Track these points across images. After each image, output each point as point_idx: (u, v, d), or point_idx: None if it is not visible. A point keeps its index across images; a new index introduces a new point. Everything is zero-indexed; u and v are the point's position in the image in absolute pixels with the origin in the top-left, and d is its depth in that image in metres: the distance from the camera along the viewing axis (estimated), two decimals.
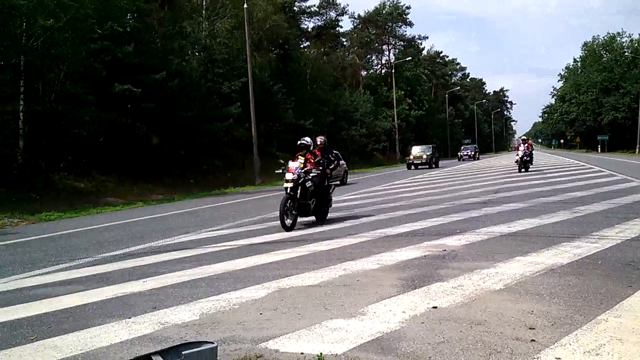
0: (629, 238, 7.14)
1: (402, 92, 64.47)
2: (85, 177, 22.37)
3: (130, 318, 4.62)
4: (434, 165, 36.78)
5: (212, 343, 3.00)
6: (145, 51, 25.73)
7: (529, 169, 24.36)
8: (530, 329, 3.83)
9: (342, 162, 22.57)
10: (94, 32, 22.02)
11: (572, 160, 37.14)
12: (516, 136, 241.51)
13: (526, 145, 24.20)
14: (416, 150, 38.12)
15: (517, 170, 23.92)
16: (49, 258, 8.25)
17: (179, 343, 3.36)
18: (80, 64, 21.54)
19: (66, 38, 20.62)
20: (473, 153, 55.27)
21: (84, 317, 4.78)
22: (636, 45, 69.91)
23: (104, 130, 23.92)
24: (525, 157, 23.81)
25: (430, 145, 39.99)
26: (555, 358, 3.28)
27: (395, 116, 57.61)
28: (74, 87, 21.85)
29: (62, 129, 22.14)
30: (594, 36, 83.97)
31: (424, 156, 36.34)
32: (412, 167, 36.45)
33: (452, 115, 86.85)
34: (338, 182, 10.02)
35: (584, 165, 28.62)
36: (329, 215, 11.21)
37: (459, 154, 57.03)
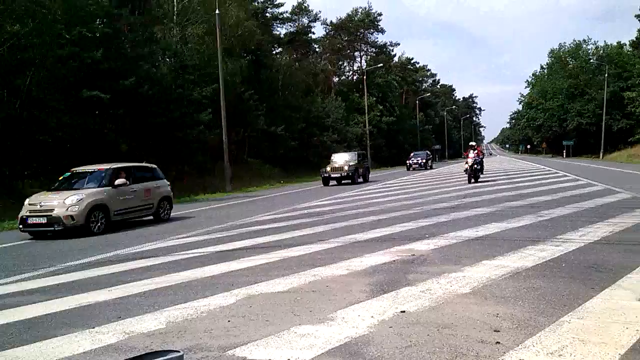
0: (592, 241, 7.31)
1: (374, 99, 64.97)
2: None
3: (94, 328, 4.52)
4: (359, 179, 27.69)
5: (178, 352, 2.96)
6: (115, 57, 25.32)
7: (479, 179, 21.67)
8: (495, 331, 3.88)
9: (160, 182, 14.60)
10: (62, 38, 21.63)
11: (538, 166, 37.91)
12: (485, 142, 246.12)
13: (476, 151, 21.35)
14: (337, 160, 27.93)
15: (467, 181, 21.07)
16: (11, 267, 8.02)
17: (143, 352, 3.31)
18: (47, 69, 21.12)
19: (34, 44, 20.22)
20: (424, 161, 45.22)
21: (46, 328, 4.67)
22: (601, 52, 71.79)
23: (71, 137, 23.45)
24: (475, 165, 20.98)
25: (356, 153, 29.86)
26: None
27: (367, 122, 57.92)
28: (41, 93, 21.40)
29: (27, 135, 21.62)
30: (560, 43, 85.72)
31: (346, 167, 26.48)
32: (331, 182, 27.14)
33: (423, 121, 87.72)
34: None
35: (550, 170, 29.25)
36: None
37: (407, 162, 46.26)
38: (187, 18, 34.34)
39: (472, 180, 20.96)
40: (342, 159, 27.77)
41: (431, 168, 45.51)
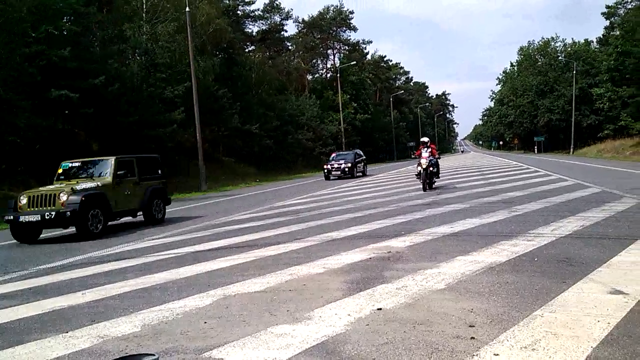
0: (563, 235, 7.46)
1: (348, 96, 65.14)
2: (21, 186, 21.37)
3: (67, 332, 4.44)
4: (101, 224, 11.02)
5: (153, 355, 2.92)
6: (83, 55, 24.86)
7: (434, 186, 17.22)
8: (470, 326, 3.93)
9: None
10: (28, 36, 21.18)
11: (510, 162, 38.50)
12: (458, 138, 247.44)
13: (429, 150, 16.64)
14: (63, 179, 12.00)
15: (422, 189, 16.32)
16: None
17: (118, 357, 3.27)
18: (14, 68, 20.63)
19: None
20: (349, 166, 30.11)
21: (18, 333, 4.57)
22: (569, 49, 73.21)
23: (40, 138, 22.96)
24: (430, 168, 16.47)
25: (113, 159, 12.25)
26: (494, 354, 3.37)
27: (341, 120, 58.06)
28: (8, 93, 20.89)
29: None
30: (529, 41, 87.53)
31: (64, 198, 10.50)
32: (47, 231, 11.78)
33: (397, 118, 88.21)
34: None
35: (522, 166, 29.73)
36: None
37: (325, 167, 31.14)
38: (156, 16, 33.85)
39: (427, 188, 16.42)
40: (72, 176, 12.08)
41: (363, 174, 32.04)
